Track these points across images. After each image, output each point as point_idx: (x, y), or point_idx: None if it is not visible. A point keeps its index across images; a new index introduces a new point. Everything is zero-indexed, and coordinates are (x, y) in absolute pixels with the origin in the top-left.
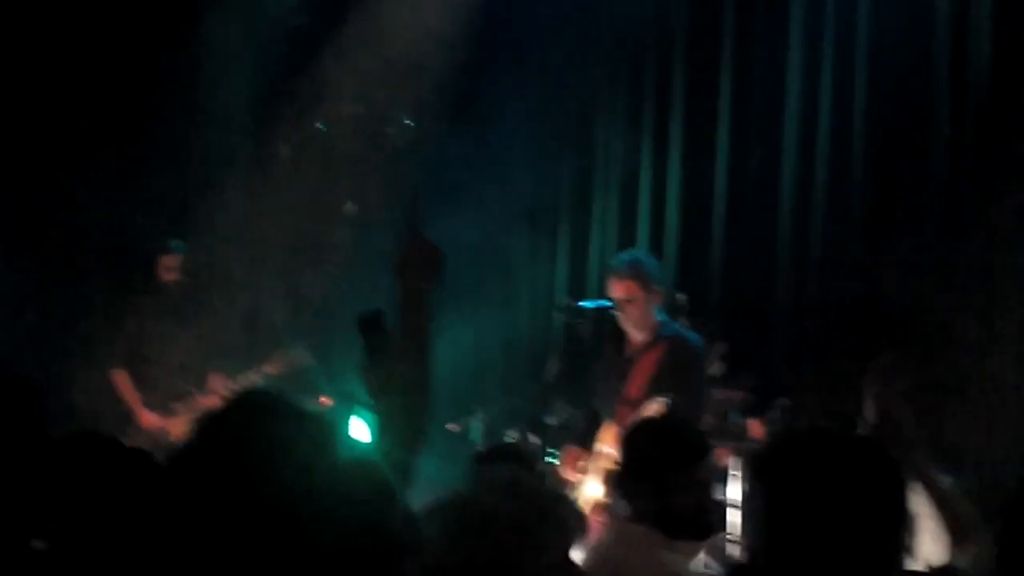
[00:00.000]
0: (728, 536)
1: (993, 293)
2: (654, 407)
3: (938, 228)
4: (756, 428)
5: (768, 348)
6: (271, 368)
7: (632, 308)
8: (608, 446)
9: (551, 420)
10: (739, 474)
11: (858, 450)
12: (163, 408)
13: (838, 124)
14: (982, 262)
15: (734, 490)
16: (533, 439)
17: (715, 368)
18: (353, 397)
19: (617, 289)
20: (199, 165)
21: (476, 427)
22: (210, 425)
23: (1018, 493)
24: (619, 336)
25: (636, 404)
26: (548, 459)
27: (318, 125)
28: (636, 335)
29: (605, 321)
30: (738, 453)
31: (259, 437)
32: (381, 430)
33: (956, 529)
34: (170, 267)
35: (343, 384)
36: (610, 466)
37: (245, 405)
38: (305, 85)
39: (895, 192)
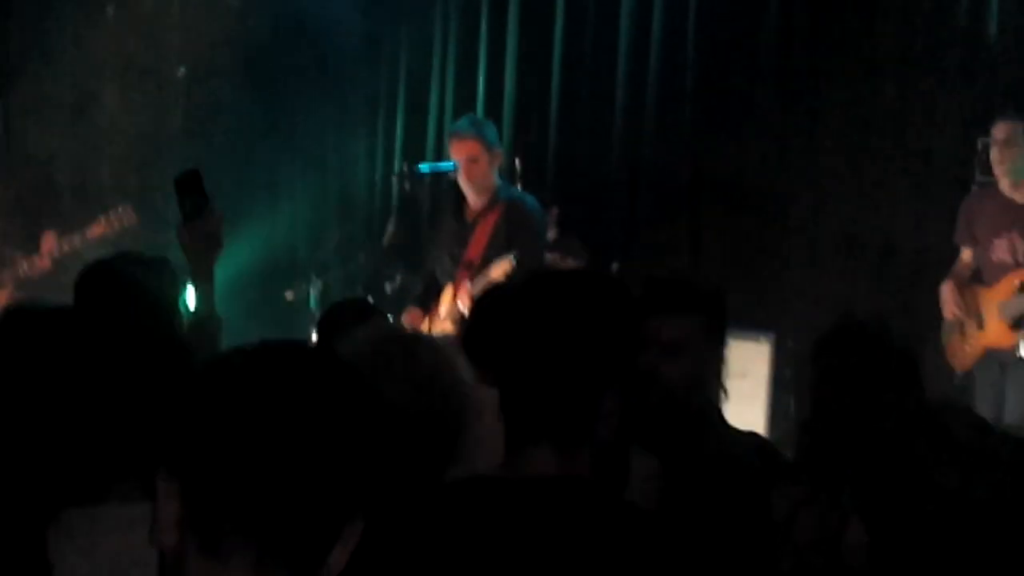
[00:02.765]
0: None
1: (819, 163)
2: (500, 267)
3: (768, 101)
4: None
5: (600, 214)
6: (99, 229)
7: (474, 169)
8: (447, 308)
9: (389, 285)
10: None
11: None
12: None
13: None
14: (810, 135)
15: None
16: (371, 302)
17: (549, 233)
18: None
19: (459, 150)
20: (19, 21)
21: (312, 294)
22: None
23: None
24: (457, 200)
25: (475, 267)
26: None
27: None
28: (475, 198)
29: (442, 185)
30: None
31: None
32: (196, 292)
33: None
34: None
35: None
36: (449, 327)
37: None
38: None
39: (727, 64)
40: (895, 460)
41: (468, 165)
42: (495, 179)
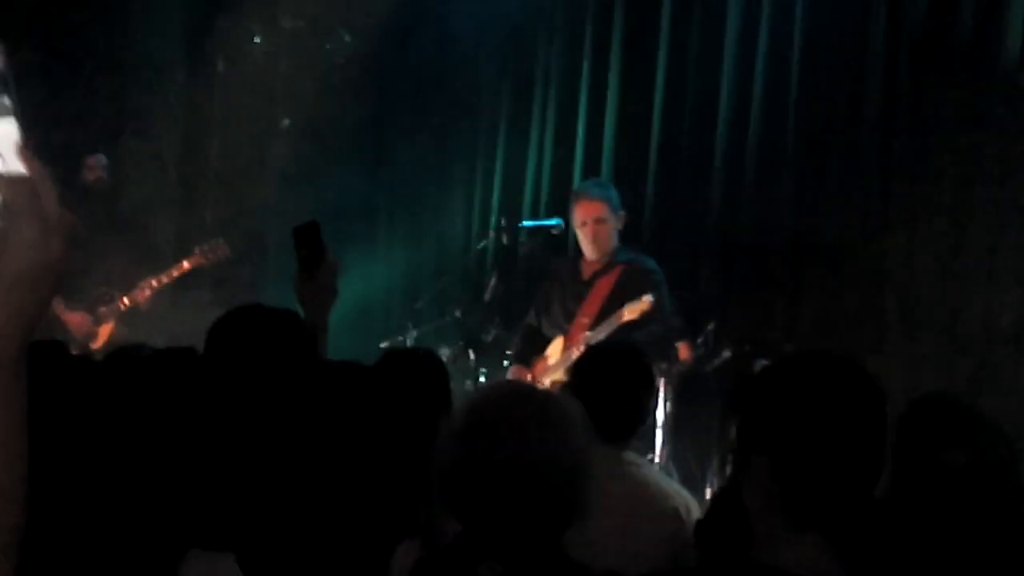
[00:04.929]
0: (651, 457)
1: (919, 230)
2: (638, 307)
3: (869, 166)
4: (684, 352)
5: (698, 274)
6: (192, 262)
7: (600, 229)
8: (560, 359)
9: (487, 338)
10: (666, 396)
11: (834, 369)
12: (91, 314)
13: (774, 57)
14: (909, 200)
15: (660, 412)
16: (470, 357)
17: None
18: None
19: (587, 210)
20: (133, 78)
21: (408, 345)
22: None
23: (910, 411)
24: (574, 258)
25: (589, 323)
26: (481, 376)
27: (255, 39)
28: (595, 257)
29: (539, 241)
30: (665, 376)
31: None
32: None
33: None
34: (92, 166)
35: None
36: (561, 377)
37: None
38: None
39: (829, 128)
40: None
41: (594, 225)
42: (616, 240)
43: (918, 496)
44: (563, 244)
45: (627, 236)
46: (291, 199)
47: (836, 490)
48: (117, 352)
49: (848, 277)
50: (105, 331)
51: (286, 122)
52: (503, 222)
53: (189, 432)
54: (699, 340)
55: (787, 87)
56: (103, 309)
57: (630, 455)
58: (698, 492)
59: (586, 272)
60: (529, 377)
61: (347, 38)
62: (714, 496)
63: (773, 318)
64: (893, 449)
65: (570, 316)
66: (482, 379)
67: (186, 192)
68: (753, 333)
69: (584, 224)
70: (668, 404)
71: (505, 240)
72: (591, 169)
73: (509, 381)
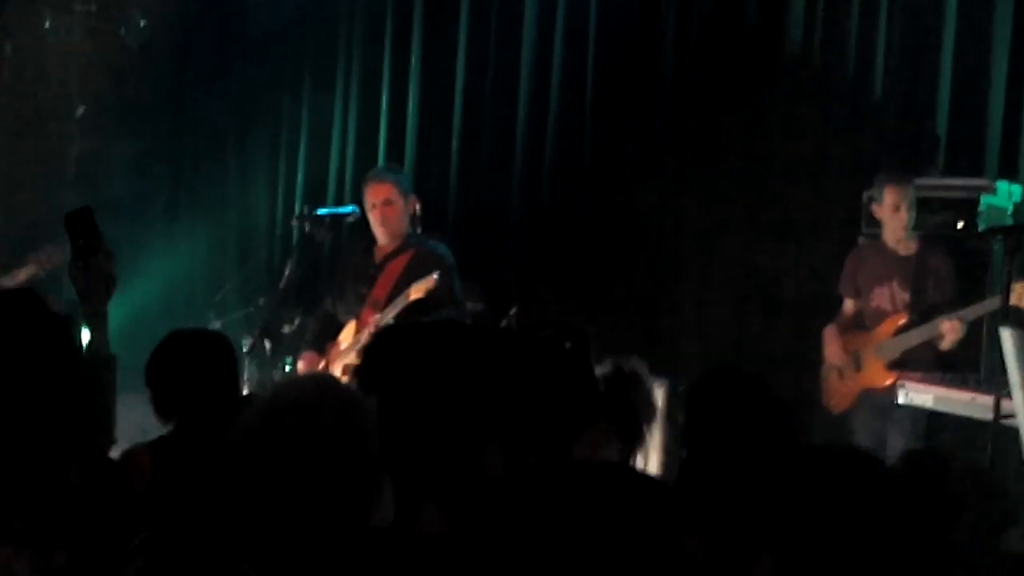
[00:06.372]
0: None
1: (712, 211)
2: (423, 285)
3: (662, 151)
4: None
5: (500, 260)
6: (30, 270)
7: (389, 211)
8: (351, 341)
9: (287, 327)
10: None
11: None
12: None
13: (572, 41)
14: (703, 183)
15: None
16: (268, 346)
17: None
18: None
19: (376, 193)
20: None
21: None
22: None
23: (698, 387)
24: (366, 242)
25: (381, 305)
26: (284, 366)
27: (45, 23)
28: (386, 241)
29: (341, 229)
30: None
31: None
32: (90, 332)
33: None
34: None
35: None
36: (353, 359)
37: None
38: None
39: (624, 112)
40: (773, 503)
41: (383, 208)
42: (407, 224)
43: (710, 459)
44: (363, 231)
45: (431, 222)
46: (88, 189)
47: (437, 462)
48: None
49: (645, 253)
50: None
51: (80, 109)
52: (304, 210)
53: None
54: (501, 324)
55: (584, 70)
56: None
57: None
58: None
59: (378, 256)
60: (322, 363)
61: (142, 22)
62: None
63: (575, 298)
64: (686, 416)
65: (362, 300)
66: (284, 368)
67: None
68: (555, 315)
69: (374, 207)
70: None
71: (305, 228)
72: (394, 155)
73: (308, 377)
